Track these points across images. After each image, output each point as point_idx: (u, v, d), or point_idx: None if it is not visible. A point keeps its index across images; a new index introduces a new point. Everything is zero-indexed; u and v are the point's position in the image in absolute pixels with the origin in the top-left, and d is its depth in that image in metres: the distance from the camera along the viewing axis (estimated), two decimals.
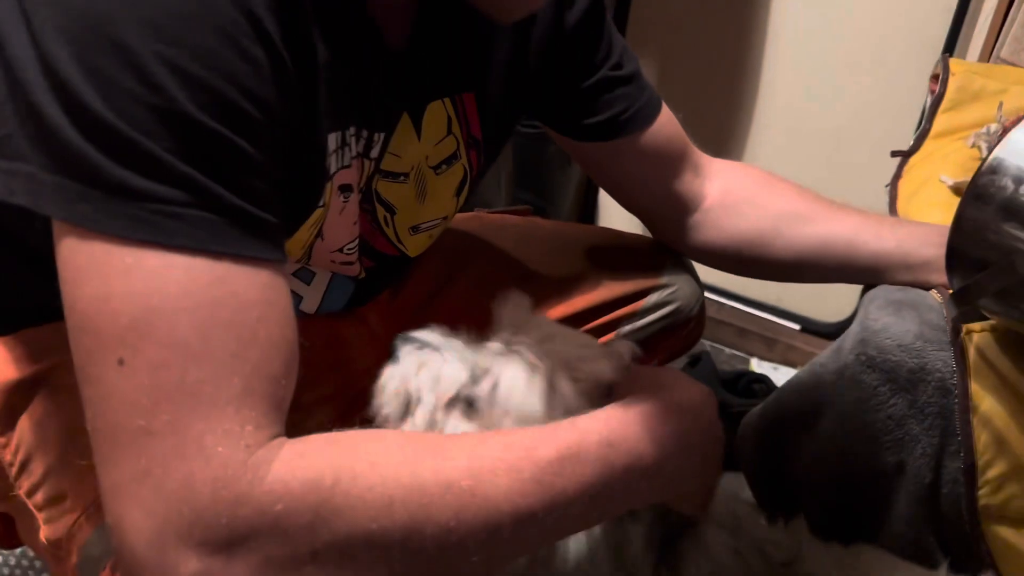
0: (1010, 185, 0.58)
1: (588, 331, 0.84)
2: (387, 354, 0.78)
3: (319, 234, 0.61)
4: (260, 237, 0.44)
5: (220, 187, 0.42)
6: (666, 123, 0.80)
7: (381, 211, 0.67)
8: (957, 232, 0.60)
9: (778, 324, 1.70)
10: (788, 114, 1.62)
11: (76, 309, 0.42)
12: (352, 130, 0.58)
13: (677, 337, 0.89)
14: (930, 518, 0.69)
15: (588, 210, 1.83)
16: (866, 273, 0.76)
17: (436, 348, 0.61)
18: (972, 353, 0.64)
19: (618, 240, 0.90)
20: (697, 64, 1.70)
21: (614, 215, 1.51)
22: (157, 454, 0.40)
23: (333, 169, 0.57)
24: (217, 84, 0.42)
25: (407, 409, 0.60)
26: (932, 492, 0.68)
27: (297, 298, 0.67)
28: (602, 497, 0.50)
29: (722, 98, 1.67)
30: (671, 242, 0.86)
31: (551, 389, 0.57)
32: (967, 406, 0.64)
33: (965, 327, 0.65)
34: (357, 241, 0.65)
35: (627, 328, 0.84)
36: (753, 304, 1.72)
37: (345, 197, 0.60)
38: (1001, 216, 0.58)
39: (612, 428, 0.50)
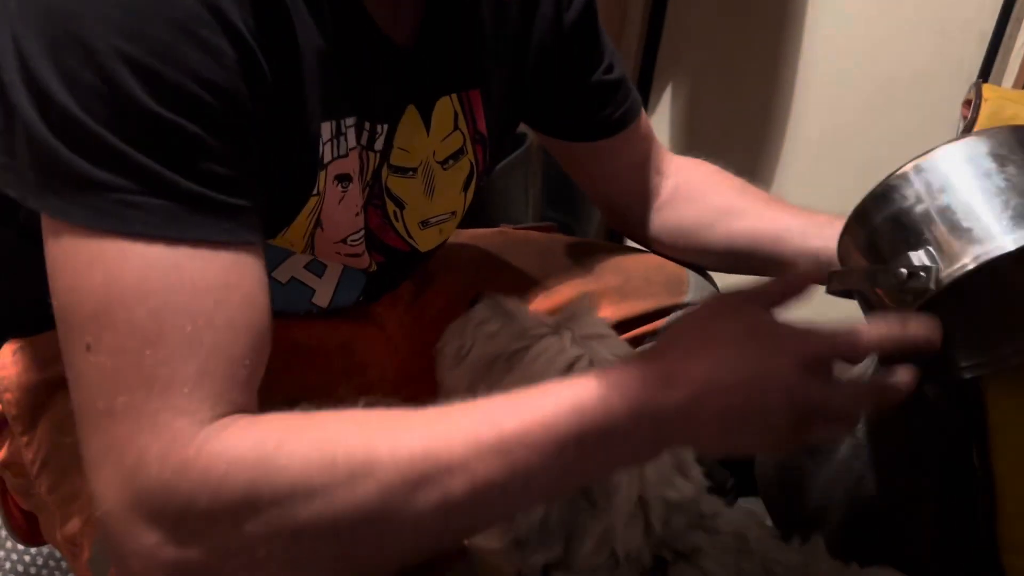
0: (911, 198, 0.55)
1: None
2: (404, 361, 0.79)
3: (319, 223, 0.61)
4: (221, 220, 0.46)
5: (176, 174, 0.44)
6: (643, 123, 0.84)
7: (391, 206, 0.68)
8: (852, 216, 0.58)
9: None
10: (819, 139, 1.61)
11: (56, 299, 0.45)
12: (352, 120, 0.59)
13: None
14: (947, 547, 0.68)
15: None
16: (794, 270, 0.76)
17: (506, 311, 0.66)
18: (991, 384, 0.64)
19: (641, 258, 0.90)
20: (729, 90, 1.70)
21: None
22: (117, 433, 0.43)
23: (328, 158, 0.58)
24: (173, 76, 0.44)
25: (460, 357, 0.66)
26: (951, 518, 0.67)
27: (309, 291, 0.68)
28: (574, 465, 0.47)
29: (754, 124, 1.67)
30: (628, 233, 0.90)
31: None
32: (985, 437, 0.63)
33: None
34: (362, 233, 0.66)
35: (648, 346, 0.84)
36: None
37: (344, 187, 0.61)
38: (889, 224, 0.55)
39: (587, 394, 0.47)
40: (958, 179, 0.54)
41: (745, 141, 1.69)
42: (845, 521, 0.76)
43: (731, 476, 1.27)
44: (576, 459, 0.46)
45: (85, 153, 0.43)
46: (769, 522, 0.83)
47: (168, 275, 0.44)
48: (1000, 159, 0.54)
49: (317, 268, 0.67)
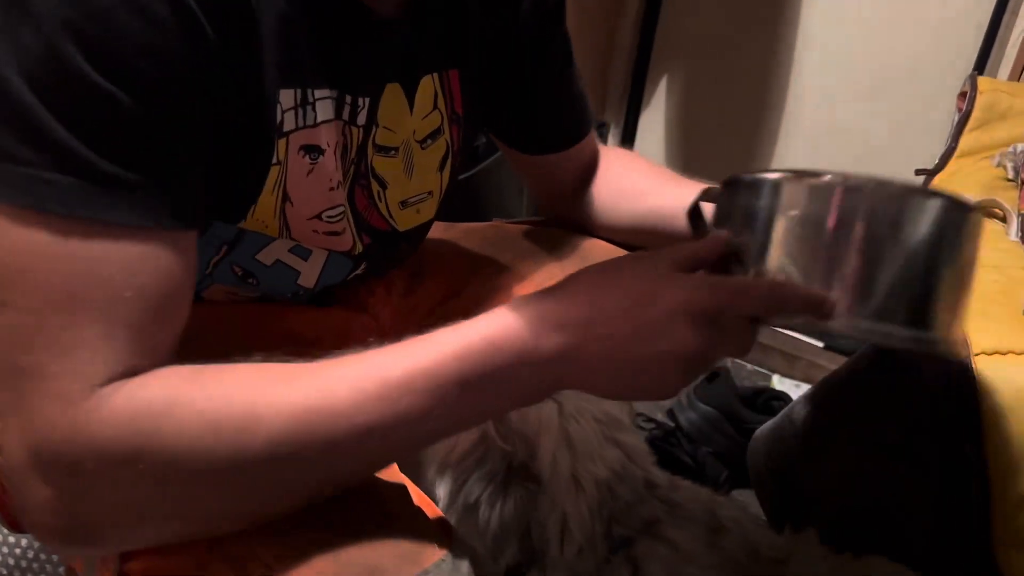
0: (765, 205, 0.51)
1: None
2: None
3: (286, 198, 0.60)
4: (138, 203, 0.46)
5: (97, 153, 0.44)
6: (590, 137, 0.86)
7: (375, 186, 0.68)
8: (726, 183, 0.55)
9: (801, 340, 1.68)
10: (814, 132, 1.61)
11: None
12: (327, 92, 0.59)
13: None
14: (942, 541, 0.68)
15: None
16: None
17: None
18: (985, 377, 0.64)
19: (636, 252, 0.90)
20: (724, 82, 1.70)
21: None
22: (21, 390, 0.44)
23: (290, 127, 0.57)
24: (111, 43, 0.44)
25: None
26: (948, 512, 0.67)
27: (295, 272, 0.68)
28: (458, 408, 0.49)
29: (748, 115, 1.67)
30: (558, 217, 0.92)
31: None
32: (981, 427, 0.63)
33: (977, 349, 0.65)
34: (341, 210, 0.65)
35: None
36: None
37: (312, 159, 0.60)
38: (742, 210, 0.52)
39: (470, 340, 0.49)
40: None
41: (740, 133, 1.69)
42: (839, 513, 0.76)
43: (725, 469, 1.27)
44: (459, 403, 0.49)
45: (8, 123, 0.43)
46: (763, 516, 0.82)
47: (80, 253, 0.45)
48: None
49: (302, 252, 0.67)
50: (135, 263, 0.46)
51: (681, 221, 0.77)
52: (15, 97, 0.43)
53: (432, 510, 0.59)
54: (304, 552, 0.50)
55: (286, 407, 0.46)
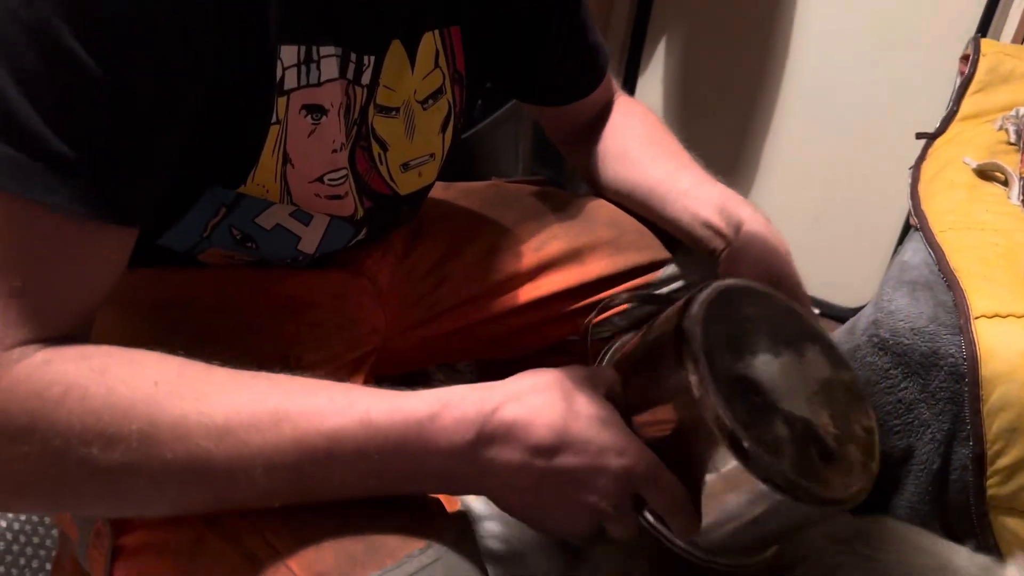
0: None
1: (600, 301, 0.83)
2: (396, 315, 0.78)
3: (287, 159, 0.59)
4: (79, 190, 0.44)
5: (51, 128, 0.42)
6: (605, 84, 0.84)
7: (376, 148, 0.66)
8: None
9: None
10: (815, 94, 1.59)
11: None
12: (332, 50, 0.57)
13: None
14: (936, 505, 0.68)
15: None
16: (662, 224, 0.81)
17: None
18: (984, 340, 0.63)
19: (633, 213, 0.89)
20: (723, 41, 1.67)
21: None
22: None
23: (291, 84, 0.55)
24: (98, 8, 0.42)
25: None
26: (940, 478, 0.67)
27: (295, 238, 0.66)
28: (375, 480, 0.49)
29: (748, 79, 1.65)
30: (571, 162, 0.92)
31: None
32: (977, 394, 0.63)
33: (977, 312, 0.64)
34: (344, 172, 0.63)
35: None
36: None
37: (314, 119, 0.58)
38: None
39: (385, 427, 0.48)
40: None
41: (740, 96, 1.67)
42: None
43: None
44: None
45: None
46: None
47: (11, 224, 0.43)
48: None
49: (303, 217, 0.65)
50: (27, 234, 0.44)
51: (648, 204, 0.80)
52: None
53: (445, 499, 0.57)
54: (304, 526, 0.49)
55: (184, 439, 0.45)
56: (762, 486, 0.51)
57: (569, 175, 1.69)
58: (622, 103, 0.88)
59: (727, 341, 0.55)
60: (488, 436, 0.48)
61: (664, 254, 0.83)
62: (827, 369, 0.59)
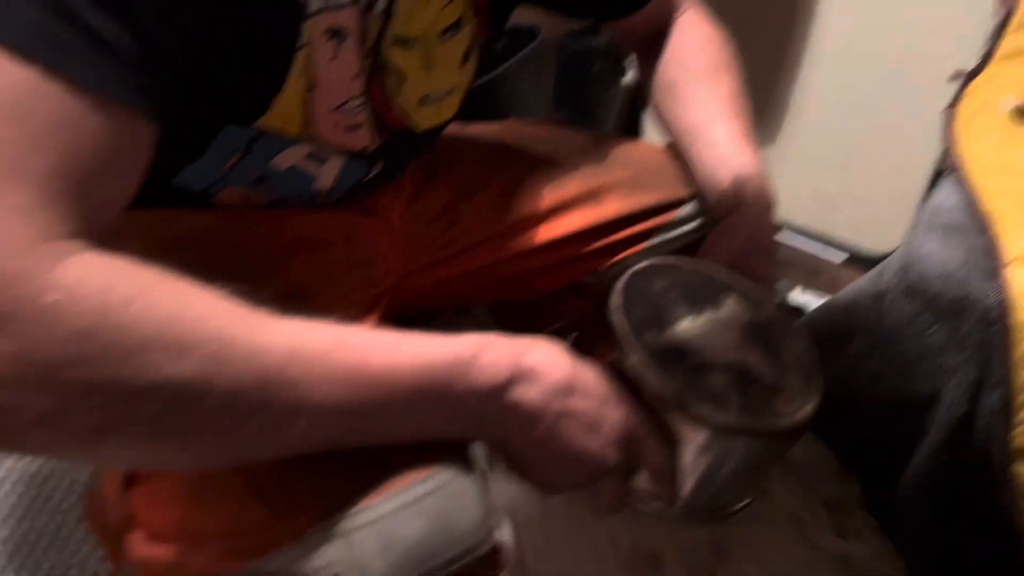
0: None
1: (618, 240, 0.82)
2: (407, 255, 0.78)
3: (312, 85, 0.58)
4: (115, 70, 0.42)
5: (96, 8, 0.40)
6: None
7: (392, 81, 0.65)
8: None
9: (824, 253, 1.66)
10: (845, 34, 1.55)
11: None
12: None
13: None
14: (958, 453, 0.67)
15: (631, 131, 1.79)
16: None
17: None
18: (1017, 285, 0.61)
19: (651, 151, 0.88)
20: None
21: (658, 136, 1.47)
22: None
23: (315, 7, 0.54)
24: None
25: None
26: (964, 426, 0.65)
27: (310, 178, 0.66)
28: (414, 422, 0.49)
29: (777, 17, 1.60)
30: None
31: None
32: (1007, 342, 0.61)
33: (1011, 257, 0.62)
34: (362, 100, 0.62)
35: (658, 239, 0.82)
36: (798, 231, 1.67)
37: (336, 43, 0.57)
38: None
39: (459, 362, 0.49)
40: None
41: (768, 37, 1.63)
42: (855, 432, 0.75)
43: None
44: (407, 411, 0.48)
45: None
46: None
47: (33, 96, 0.39)
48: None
49: (318, 159, 0.65)
50: (83, 123, 0.41)
51: (683, 149, 0.80)
52: None
53: None
54: (312, 458, 0.49)
55: (259, 358, 0.42)
56: (721, 438, 0.58)
57: (592, 119, 1.66)
58: (686, 23, 0.86)
59: (651, 318, 0.61)
60: (517, 376, 0.51)
61: (683, 193, 0.82)
62: (747, 312, 0.66)
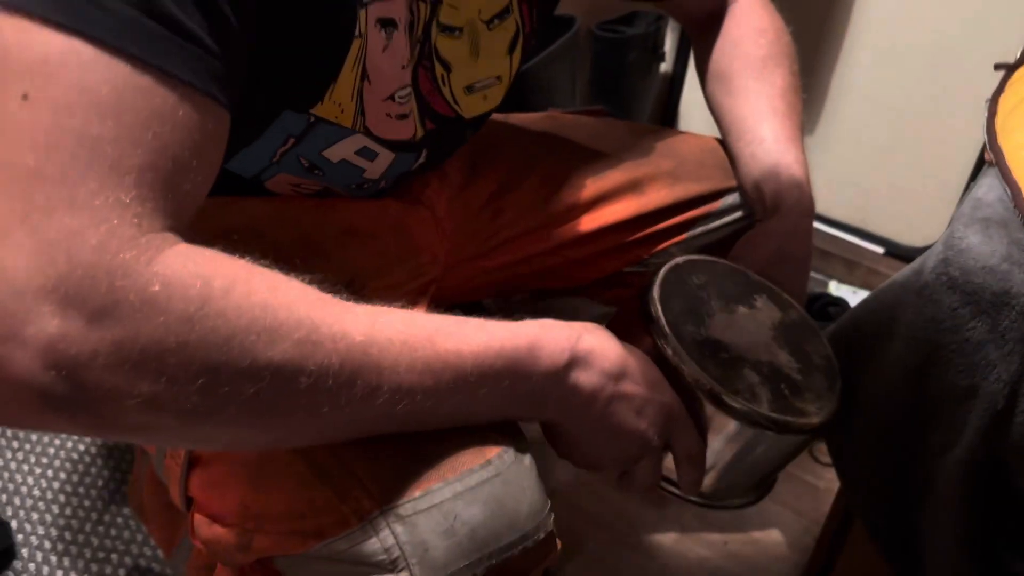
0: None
1: (660, 231, 0.83)
2: (453, 245, 0.79)
3: (365, 75, 0.59)
4: (192, 59, 0.43)
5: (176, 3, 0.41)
6: None
7: (439, 69, 0.66)
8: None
9: (861, 246, 1.64)
10: (885, 24, 1.53)
11: None
12: None
13: None
14: (997, 446, 0.66)
15: (668, 121, 1.78)
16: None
17: None
18: None
19: (694, 141, 0.87)
20: None
21: (695, 125, 1.47)
22: (43, 197, 0.38)
23: None
24: None
25: None
26: (1003, 420, 0.65)
27: (360, 169, 0.67)
28: (482, 403, 0.52)
29: (815, 9, 1.58)
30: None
31: None
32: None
33: None
34: (409, 90, 0.63)
35: (699, 229, 0.83)
36: (836, 225, 1.66)
37: (387, 34, 0.58)
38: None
39: (523, 347, 0.52)
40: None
41: (808, 27, 1.61)
42: (883, 423, 0.75)
43: None
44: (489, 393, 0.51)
45: None
46: None
47: (126, 91, 0.40)
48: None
49: (369, 154, 0.66)
50: (172, 116, 0.42)
51: (727, 143, 0.81)
52: None
53: None
54: (371, 442, 0.50)
55: (343, 341, 0.44)
56: (750, 430, 0.61)
57: (628, 109, 1.66)
58: (744, 7, 0.85)
59: (687, 312, 0.64)
60: (576, 359, 0.54)
61: (725, 183, 0.82)
62: (777, 313, 0.69)
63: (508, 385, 0.52)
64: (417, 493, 0.50)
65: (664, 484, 0.65)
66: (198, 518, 0.57)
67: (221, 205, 0.65)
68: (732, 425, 0.61)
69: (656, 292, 0.64)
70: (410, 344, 0.47)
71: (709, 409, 0.61)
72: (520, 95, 1.54)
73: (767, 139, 0.77)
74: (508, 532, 0.52)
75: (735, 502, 0.70)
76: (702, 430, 0.63)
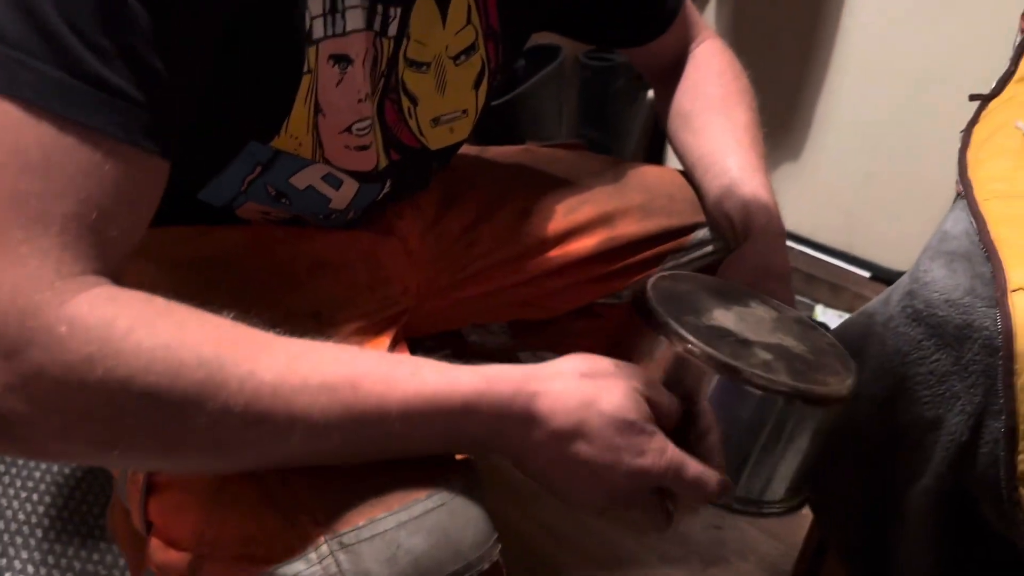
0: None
1: (633, 264, 0.84)
2: (426, 276, 0.80)
3: (318, 109, 0.60)
4: (118, 113, 0.45)
5: (89, 50, 0.43)
6: (680, 19, 0.84)
7: (406, 102, 0.67)
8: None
9: (847, 270, 1.65)
10: (870, 51, 1.54)
11: None
12: (357, 1, 0.58)
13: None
14: (963, 476, 0.67)
15: (655, 148, 1.80)
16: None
17: None
18: (1020, 313, 0.62)
19: (666, 176, 0.89)
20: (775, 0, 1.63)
21: None
22: None
23: (319, 34, 0.57)
24: None
25: None
26: (969, 451, 0.66)
27: (326, 198, 0.68)
28: (414, 444, 0.51)
29: (802, 34, 1.60)
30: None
31: None
32: (1011, 368, 0.61)
33: (1015, 285, 0.62)
34: (369, 123, 0.64)
35: (671, 263, 0.84)
36: (822, 249, 1.67)
37: (341, 68, 0.59)
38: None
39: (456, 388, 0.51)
40: None
41: (792, 53, 1.63)
42: (867, 448, 0.75)
43: None
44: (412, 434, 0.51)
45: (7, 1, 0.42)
46: None
47: (47, 143, 0.43)
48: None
49: (334, 181, 0.67)
50: (98, 169, 0.44)
51: (693, 178, 0.82)
52: None
53: None
54: (321, 471, 0.51)
55: (251, 381, 0.45)
56: (774, 409, 0.57)
57: (615, 136, 1.68)
58: (703, 53, 0.88)
59: (685, 307, 0.62)
60: (518, 418, 0.52)
61: (696, 218, 0.84)
62: (774, 312, 0.68)
63: (441, 431, 0.51)
64: (361, 521, 0.51)
65: (686, 510, 0.62)
66: (154, 542, 0.57)
67: (193, 234, 0.66)
68: (752, 401, 0.57)
69: (651, 291, 0.62)
70: (329, 386, 0.47)
71: (730, 386, 0.57)
72: (508, 123, 1.55)
73: (732, 169, 0.79)
74: (452, 561, 0.52)
75: (775, 508, 0.63)
76: (727, 419, 0.58)
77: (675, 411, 0.58)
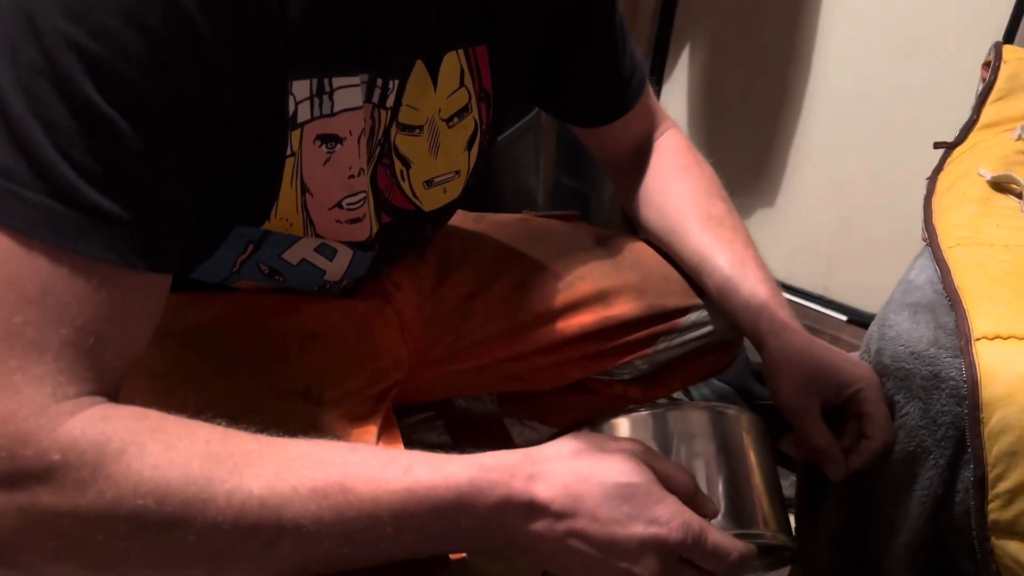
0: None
1: (624, 344, 0.83)
2: (419, 349, 0.80)
3: (305, 189, 0.60)
4: (115, 238, 0.45)
5: (83, 179, 0.43)
6: (642, 104, 0.85)
7: (399, 165, 0.67)
8: None
9: (824, 314, 1.66)
10: (841, 99, 1.57)
11: None
12: (356, 78, 0.58)
13: (713, 359, 0.87)
14: (939, 526, 0.67)
15: None
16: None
17: None
18: (985, 362, 0.62)
19: (661, 255, 0.89)
20: (748, 46, 1.66)
21: None
22: None
23: (305, 117, 0.56)
24: (116, 64, 0.43)
25: None
26: (943, 503, 0.66)
27: (320, 271, 0.68)
28: (409, 545, 0.50)
29: (774, 82, 1.63)
30: (619, 190, 0.92)
31: None
32: (978, 416, 0.62)
33: (978, 334, 0.63)
34: (362, 196, 0.64)
35: (663, 345, 0.83)
36: (798, 293, 1.68)
37: (329, 148, 0.59)
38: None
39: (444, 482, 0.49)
40: None
41: (765, 101, 1.66)
42: (846, 493, 0.76)
43: None
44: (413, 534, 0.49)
45: (5, 134, 0.43)
46: None
47: (48, 279, 0.44)
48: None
49: (327, 252, 0.67)
50: (93, 295, 0.45)
51: (700, 279, 0.82)
52: (9, 109, 0.42)
53: None
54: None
55: (238, 495, 0.45)
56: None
57: (592, 185, 1.69)
58: (666, 145, 0.88)
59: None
60: (517, 506, 0.50)
61: (689, 300, 0.84)
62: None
63: (436, 530, 0.49)
64: None
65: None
66: None
67: (185, 303, 0.65)
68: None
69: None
70: (319, 491, 0.46)
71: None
72: (485, 171, 1.56)
73: (723, 267, 0.78)
74: None
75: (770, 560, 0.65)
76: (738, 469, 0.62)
77: (683, 477, 0.55)
